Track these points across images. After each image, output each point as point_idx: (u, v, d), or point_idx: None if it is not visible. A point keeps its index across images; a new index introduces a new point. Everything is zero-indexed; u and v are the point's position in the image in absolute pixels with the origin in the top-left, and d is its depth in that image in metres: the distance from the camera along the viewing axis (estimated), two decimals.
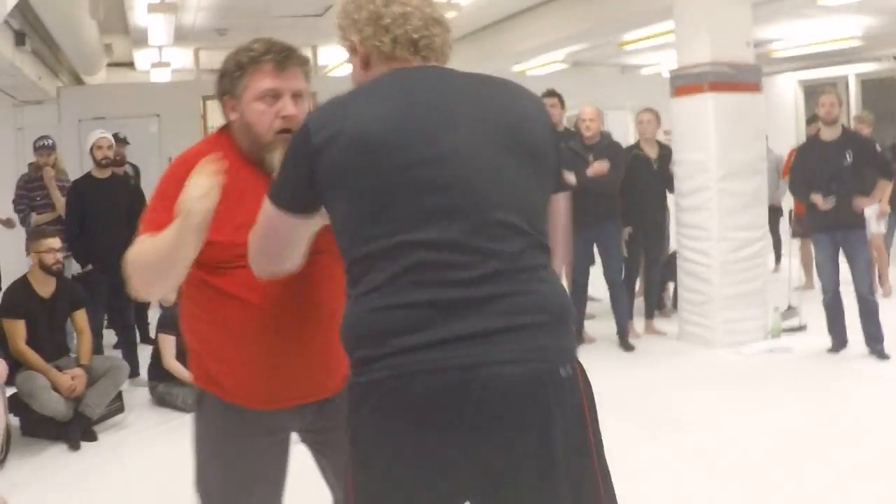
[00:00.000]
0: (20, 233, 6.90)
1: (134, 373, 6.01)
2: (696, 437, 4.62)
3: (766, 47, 11.04)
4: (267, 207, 1.78)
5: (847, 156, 5.82)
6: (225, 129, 2.15)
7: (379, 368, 1.59)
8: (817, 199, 5.87)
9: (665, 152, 7.02)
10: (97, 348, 5.58)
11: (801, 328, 6.80)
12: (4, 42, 6.54)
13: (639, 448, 4.32)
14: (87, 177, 6.37)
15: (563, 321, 1.68)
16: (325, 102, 1.73)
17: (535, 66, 12.03)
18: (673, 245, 7.34)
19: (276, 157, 1.93)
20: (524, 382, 1.57)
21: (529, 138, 1.72)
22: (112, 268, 6.03)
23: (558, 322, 1.66)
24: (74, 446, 4.83)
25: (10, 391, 4.84)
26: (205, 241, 1.87)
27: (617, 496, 1.70)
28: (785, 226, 9.37)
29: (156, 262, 1.89)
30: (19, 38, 7.08)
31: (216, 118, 9.31)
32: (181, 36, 10.26)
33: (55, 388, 4.85)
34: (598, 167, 6.31)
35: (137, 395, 5.71)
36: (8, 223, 7.13)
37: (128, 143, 7.91)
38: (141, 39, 10.42)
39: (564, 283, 6.36)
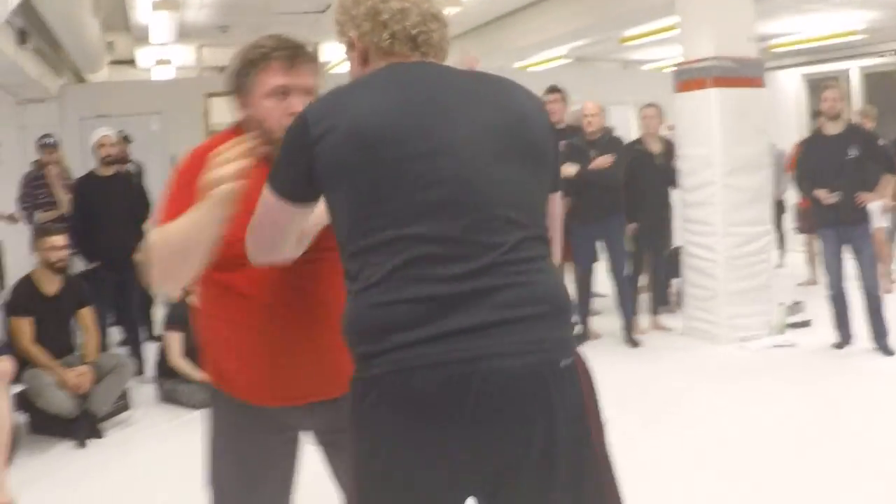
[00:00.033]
0: (25, 231, 6.90)
1: (139, 370, 6.02)
2: (701, 431, 4.62)
3: (769, 42, 11.01)
4: (265, 195, 1.78)
5: (851, 150, 5.81)
6: (237, 126, 2.15)
7: (379, 364, 1.59)
8: (822, 194, 5.87)
9: (668, 147, 7.01)
10: (102, 345, 5.58)
11: (806, 323, 6.80)
12: (6, 40, 6.53)
13: (643, 442, 4.33)
14: (91, 175, 6.38)
15: (563, 312, 1.68)
16: (324, 94, 1.74)
17: (538, 61, 12.01)
18: (677, 240, 7.34)
19: None
20: (524, 375, 1.57)
21: (529, 137, 1.72)
22: (117, 265, 6.17)
23: (558, 313, 1.66)
24: (81, 443, 4.85)
25: (17, 389, 4.84)
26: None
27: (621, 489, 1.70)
28: (788, 221, 9.37)
29: (180, 244, 1.86)
30: (21, 37, 7.08)
31: (219, 115, 9.37)
32: (183, 33, 10.26)
33: (62, 386, 4.86)
34: (601, 161, 6.31)
35: (143, 392, 5.72)
36: (11, 219, 7.14)
37: (130, 141, 7.92)
38: (143, 37, 10.41)
39: (570, 279, 6.41)
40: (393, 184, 1.61)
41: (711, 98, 6.47)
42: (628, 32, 10.51)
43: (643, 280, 7.28)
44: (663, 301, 7.36)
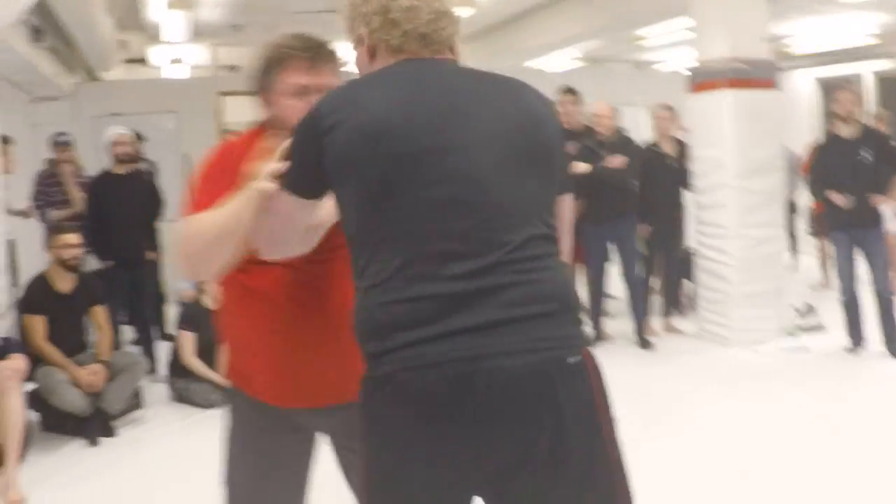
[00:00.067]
0: (39, 229, 6.91)
1: (152, 369, 6.04)
2: (712, 434, 4.61)
3: (783, 44, 10.98)
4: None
5: (866, 153, 5.79)
6: (262, 125, 2.15)
7: (387, 362, 1.60)
8: (837, 197, 5.84)
9: (681, 149, 6.99)
10: (115, 344, 5.60)
11: (818, 327, 6.76)
12: (21, 38, 6.55)
13: (654, 445, 4.31)
14: (106, 173, 6.39)
15: (571, 309, 1.68)
16: (337, 88, 1.75)
17: (551, 62, 12.00)
18: (689, 242, 7.32)
19: None
20: (528, 374, 1.57)
21: (538, 138, 1.72)
22: (130, 263, 6.18)
23: (566, 310, 1.66)
24: (93, 441, 4.86)
25: (30, 386, 4.86)
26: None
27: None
28: (800, 223, 9.32)
29: (216, 231, 1.85)
30: (36, 35, 7.10)
31: (232, 115, 9.38)
32: (197, 32, 10.30)
33: (74, 384, 4.88)
34: (614, 160, 6.29)
35: (156, 390, 5.73)
36: (24, 213, 7.15)
37: (144, 140, 7.93)
38: (156, 36, 10.44)
39: (581, 281, 6.39)
40: (401, 180, 1.61)
41: (726, 100, 6.46)
42: (641, 33, 10.50)
43: (655, 282, 7.26)
44: (675, 303, 7.34)
